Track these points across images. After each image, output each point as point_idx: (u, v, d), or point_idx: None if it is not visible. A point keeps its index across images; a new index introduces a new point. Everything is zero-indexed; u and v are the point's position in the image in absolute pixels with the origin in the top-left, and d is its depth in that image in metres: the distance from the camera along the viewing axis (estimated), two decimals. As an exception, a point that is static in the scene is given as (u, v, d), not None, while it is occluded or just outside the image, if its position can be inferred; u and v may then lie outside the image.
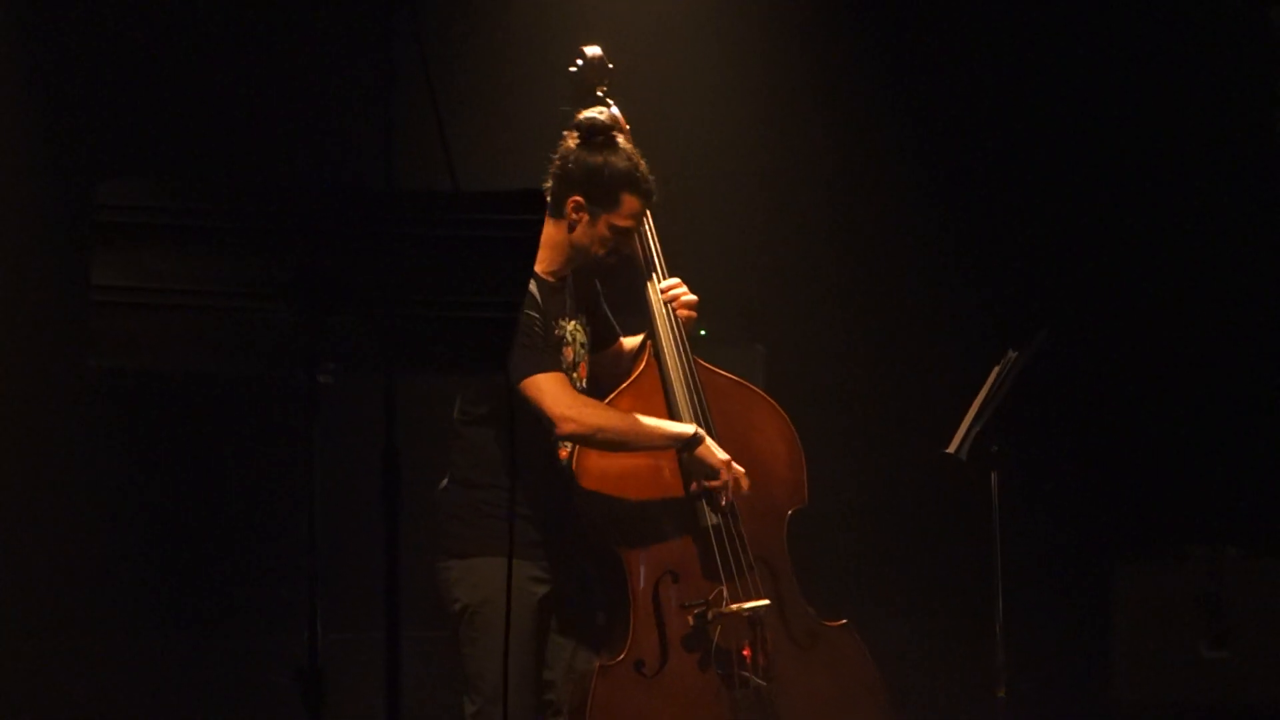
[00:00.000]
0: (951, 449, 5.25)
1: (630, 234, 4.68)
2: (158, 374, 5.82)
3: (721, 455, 4.61)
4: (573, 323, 4.74)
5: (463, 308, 2.99)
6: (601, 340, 4.88)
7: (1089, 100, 6.56)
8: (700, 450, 4.59)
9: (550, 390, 4.51)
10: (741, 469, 4.62)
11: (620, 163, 4.62)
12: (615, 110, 4.86)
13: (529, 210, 2.97)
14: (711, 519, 4.66)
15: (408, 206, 2.98)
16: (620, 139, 4.68)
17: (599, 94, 4.87)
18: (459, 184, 3.13)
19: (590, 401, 4.61)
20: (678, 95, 6.33)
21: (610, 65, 4.88)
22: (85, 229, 2.86)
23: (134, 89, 6.38)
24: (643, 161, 4.67)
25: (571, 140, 4.68)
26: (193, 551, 6.42)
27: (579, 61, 4.89)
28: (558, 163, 4.68)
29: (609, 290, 4.88)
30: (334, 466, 3.27)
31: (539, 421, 4.53)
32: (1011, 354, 5.29)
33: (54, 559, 6.20)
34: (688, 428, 4.61)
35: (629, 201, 4.63)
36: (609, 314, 4.90)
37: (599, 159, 4.62)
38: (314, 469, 2.97)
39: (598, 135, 4.65)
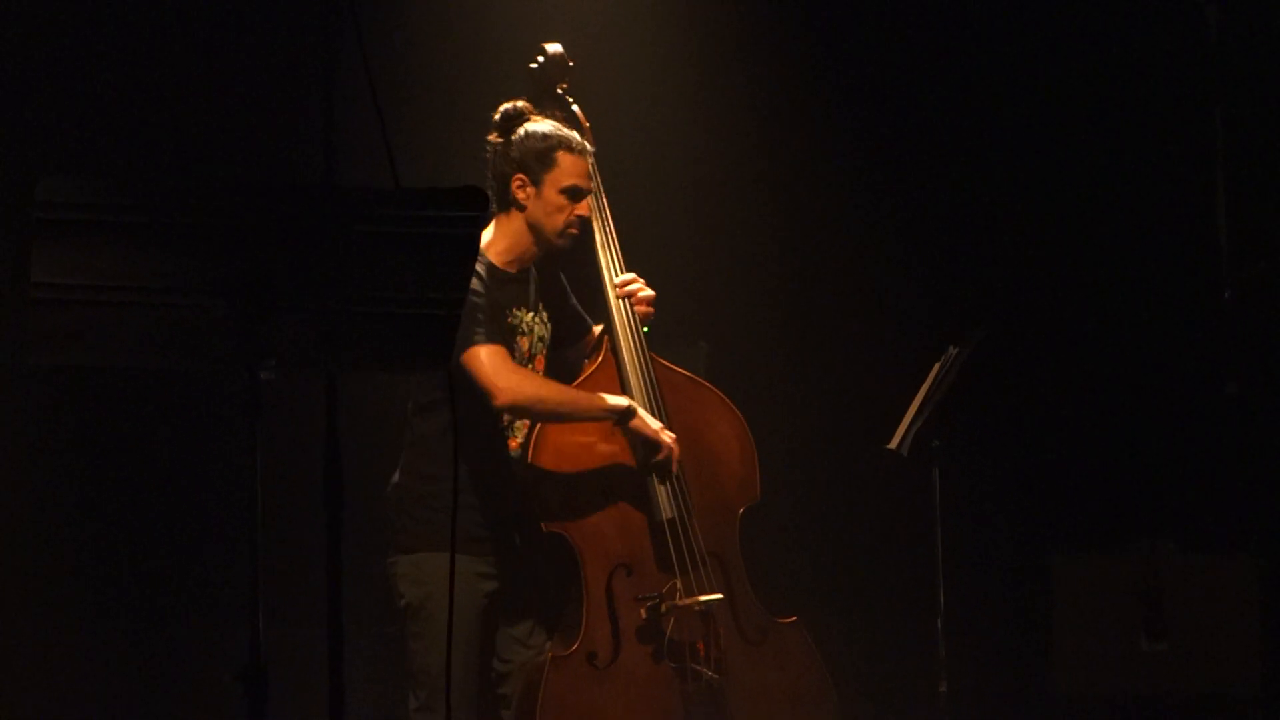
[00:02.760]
0: (893, 445, 5.28)
1: (581, 193, 4.71)
2: (98, 371, 5.79)
3: (654, 425, 4.65)
4: (530, 314, 4.77)
5: (404, 305, 2.99)
6: (573, 334, 4.91)
7: (1026, 97, 6.60)
8: (635, 422, 4.65)
9: (489, 361, 4.55)
10: (673, 437, 4.65)
11: (541, 128, 4.70)
12: (576, 109, 4.89)
13: (471, 207, 2.98)
14: (666, 512, 4.70)
15: (349, 203, 2.98)
16: (535, 117, 4.72)
17: (559, 92, 4.89)
18: (400, 181, 3.13)
19: (527, 372, 4.64)
20: (619, 95, 6.33)
21: (571, 63, 4.90)
22: (25, 225, 2.85)
23: (74, 85, 6.33)
24: (564, 125, 4.72)
25: (493, 136, 4.73)
26: (134, 548, 6.38)
27: (539, 59, 4.91)
28: (489, 161, 4.73)
29: (564, 261, 4.90)
30: (277, 462, 3.26)
31: (484, 405, 4.55)
32: (952, 350, 5.33)
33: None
34: (621, 400, 4.66)
35: (565, 158, 4.69)
36: (579, 307, 4.92)
37: (520, 134, 4.68)
38: (256, 465, 2.97)
39: (516, 122, 4.71)
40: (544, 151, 4.68)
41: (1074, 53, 6.57)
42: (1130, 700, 5.71)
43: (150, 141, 6.35)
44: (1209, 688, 5.63)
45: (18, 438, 6.27)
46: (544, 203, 4.69)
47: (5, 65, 6.29)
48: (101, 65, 6.36)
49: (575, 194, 4.71)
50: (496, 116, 4.77)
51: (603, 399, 4.67)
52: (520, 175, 4.69)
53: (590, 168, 4.77)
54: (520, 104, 4.77)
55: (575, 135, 4.74)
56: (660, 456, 4.67)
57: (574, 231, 4.75)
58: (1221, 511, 6.08)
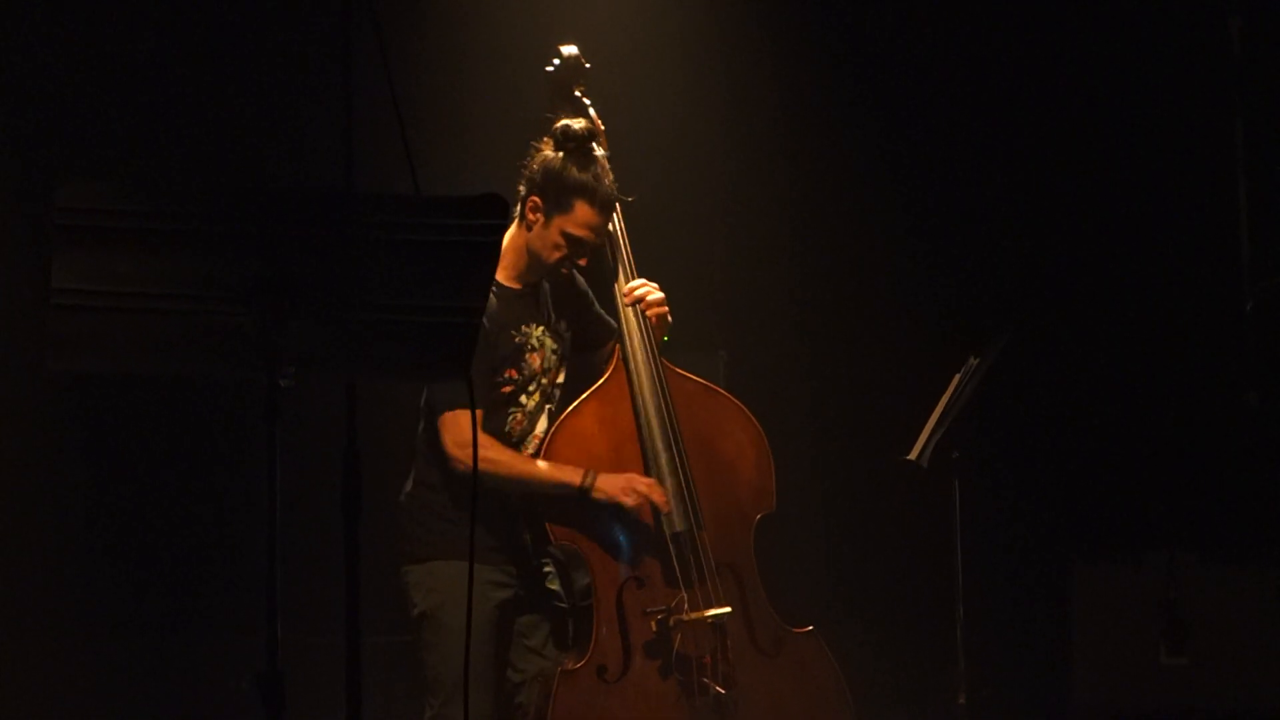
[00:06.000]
0: (913, 455, 5.27)
1: (583, 245, 4.66)
2: (118, 377, 5.79)
3: (615, 484, 4.61)
4: (540, 328, 4.73)
5: (423, 312, 2.98)
6: (598, 339, 4.88)
7: (1050, 108, 6.59)
8: (595, 495, 4.61)
9: (449, 427, 4.57)
10: (639, 496, 4.62)
11: (580, 171, 4.61)
12: (592, 112, 4.85)
13: (491, 214, 2.96)
14: (674, 527, 4.66)
15: (369, 210, 2.97)
16: (597, 150, 4.67)
17: (576, 94, 4.86)
18: (420, 187, 3.12)
19: (487, 444, 4.60)
20: (636, 99, 6.33)
21: (587, 65, 4.87)
22: (45, 231, 2.84)
23: (95, 91, 6.35)
24: (609, 175, 4.65)
25: (546, 148, 4.67)
26: (153, 554, 6.38)
27: (555, 61, 4.88)
28: (528, 165, 4.67)
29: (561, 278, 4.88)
30: (297, 469, 3.26)
31: (489, 421, 4.57)
32: (972, 361, 5.31)
33: (12, 562, 6.16)
34: (573, 475, 4.61)
35: (582, 209, 4.61)
36: (602, 313, 4.89)
37: (561, 164, 4.61)
38: (274, 472, 2.96)
39: (570, 143, 4.64)
40: (566, 193, 4.61)
41: (1098, 65, 6.56)
42: (1150, 715, 5.68)
43: (171, 147, 6.36)
44: (1231, 703, 5.60)
45: (35, 443, 6.28)
46: (547, 235, 4.65)
47: (28, 71, 6.30)
48: (122, 71, 6.37)
49: (576, 244, 4.66)
50: (556, 126, 4.70)
51: (557, 473, 4.62)
52: (536, 198, 4.65)
53: (608, 221, 4.71)
54: (582, 127, 4.68)
55: (606, 189, 4.64)
56: (630, 508, 4.63)
57: (565, 270, 4.72)
58: (1243, 522, 6.06)
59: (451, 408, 4.55)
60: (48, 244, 2.82)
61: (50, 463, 6.31)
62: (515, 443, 4.70)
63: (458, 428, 4.55)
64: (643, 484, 4.64)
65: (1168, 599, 5.67)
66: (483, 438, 4.57)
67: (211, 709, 6.01)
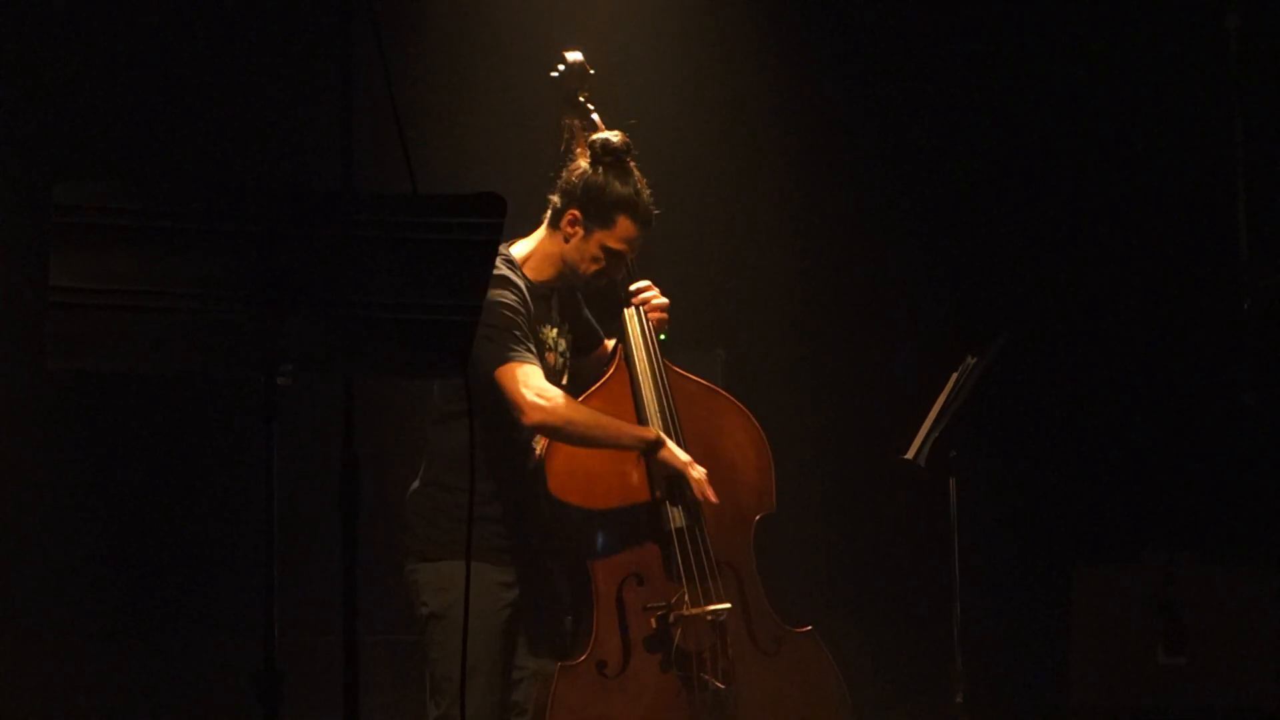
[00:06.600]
0: (910, 455, 5.26)
1: (622, 258, 4.70)
2: (116, 376, 5.79)
3: (683, 457, 4.63)
4: (555, 330, 4.77)
5: (421, 310, 2.99)
6: (585, 344, 4.90)
7: (1047, 107, 6.60)
8: (662, 454, 4.62)
9: (522, 379, 4.52)
10: (703, 471, 4.64)
11: (622, 186, 4.64)
12: (596, 117, 4.86)
13: (489, 213, 2.97)
14: (675, 522, 4.67)
15: (367, 208, 2.98)
16: (632, 164, 4.69)
17: (580, 100, 4.87)
18: (418, 186, 3.13)
19: (560, 394, 4.62)
20: (639, 103, 6.33)
21: (592, 71, 4.88)
22: (43, 230, 2.85)
23: (94, 91, 6.35)
24: (647, 190, 4.68)
25: (583, 159, 4.69)
26: (151, 553, 6.39)
27: (560, 67, 4.89)
28: (565, 177, 4.69)
29: (587, 293, 4.90)
30: (295, 469, 3.27)
31: (512, 418, 4.54)
32: (970, 360, 5.31)
33: (10, 561, 6.17)
34: (650, 432, 4.64)
35: (624, 224, 4.65)
36: (590, 318, 4.92)
37: (602, 178, 4.64)
38: (272, 470, 2.97)
39: (608, 156, 4.66)
40: (609, 209, 4.63)
41: (1095, 64, 6.56)
42: (1148, 715, 5.69)
43: (170, 146, 6.37)
44: (1228, 703, 5.61)
45: (33, 442, 6.29)
46: (585, 248, 4.67)
47: (28, 71, 6.31)
48: (122, 71, 6.37)
49: (614, 258, 4.69)
50: (594, 139, 4.71)
51: (632, 429, 4.65)
52: (575, 212, 4.67)
53: (646, 235, 4.73)
54: (620, 140, 4.70)
55: (646, 203, 4.67)
56: (687, 490, 4.64)
57: (602, 282, 4.75)
58: (1241, 523, 6.06)
59: (503, 362, 4.50)
60: (46, 243, 2.83)
61: (50, 463, 6.32)
62: (527, 438, 4.71)
63: (524, 382, 4.50)
64: (699, 471, 4.65)
65: (1166, 599, 5.67)
66: (547, 387, 4.57)
67: (211, 709, 6.01)
